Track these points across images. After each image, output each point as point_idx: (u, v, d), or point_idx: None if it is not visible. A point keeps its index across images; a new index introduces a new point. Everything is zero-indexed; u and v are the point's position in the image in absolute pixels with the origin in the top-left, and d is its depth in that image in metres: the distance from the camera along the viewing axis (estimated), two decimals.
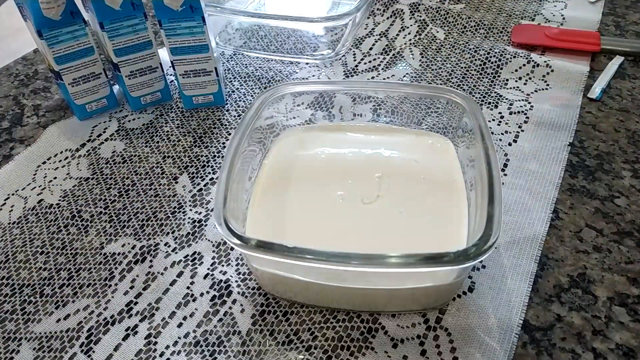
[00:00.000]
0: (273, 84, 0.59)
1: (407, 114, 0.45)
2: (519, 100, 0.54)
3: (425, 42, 0.64)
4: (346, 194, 0.39)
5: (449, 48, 0.63)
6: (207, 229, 0.43)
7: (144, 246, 0.42)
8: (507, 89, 0.56)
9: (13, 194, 0.48)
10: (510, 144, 0.49)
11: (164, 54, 0.54)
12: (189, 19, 0.48)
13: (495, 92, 0.55)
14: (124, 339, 0.36)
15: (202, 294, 0.38)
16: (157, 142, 0.52)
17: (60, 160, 0.51)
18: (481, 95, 0.55)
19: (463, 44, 0.63)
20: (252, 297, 0.38)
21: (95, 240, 0.43)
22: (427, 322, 0.35)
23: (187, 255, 0.41)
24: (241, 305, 0.37)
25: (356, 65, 0.61)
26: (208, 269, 0.40)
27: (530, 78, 0.57)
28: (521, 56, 0.59)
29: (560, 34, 0.61)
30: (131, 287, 0.39)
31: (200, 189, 0.47)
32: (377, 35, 0.66)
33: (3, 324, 0.38)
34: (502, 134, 0.50)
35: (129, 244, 0.42)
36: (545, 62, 0.58)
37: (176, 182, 0.47)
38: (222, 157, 0.50)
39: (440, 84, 0.57)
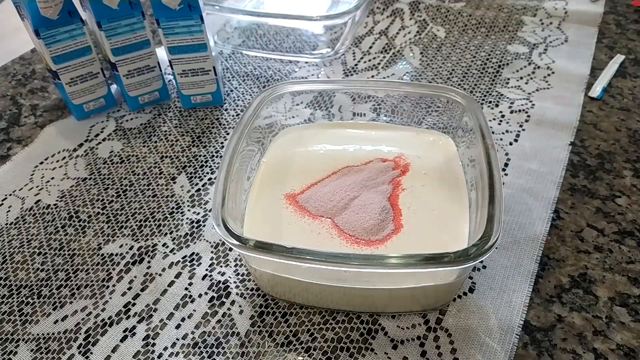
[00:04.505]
0: (272, 83, 0.58)
1: (407, 113, 0.45)
2: (520, 99, 0.54)
3: (426, 40, 0.64)
4: None
5: (450, 47, 0.62)
6: (205, 229, 0.43)
7: (142, 247, 0.42)
8: (508, 87, 0.55)
9: (10, 195, 0.47)
10: (511, 144, 0.49)
11: (162, 53, 0.54)
12: (187, 17, 0.48)
13: (496, 91, 0.55)
14: (121, 341, 0.36)
15: (200, 295, 0.38)
16: (155, 142, 0.52)
17: (57, 161, 0.50)
18: (482, 94, 0.55)
19: (464, 43, 0.63)
20: (250, 298, 0.38)
21: (93, 241, 0.43)
22: (427, 322, 0.35)
23: (186, 256, 0.41)
24: (240, 306, 0.37)
25: (356, 64, 0.61)
26: (206, 269, 0.40)
27: (531, 77, 0.56)
28: (522, 58, 0.59)
29: None
30: (129, 288, 0.39)
31: (199, 189, 0.46)
32: (376, 33, 0.65)
33: (0, 326, 0.37)
34: (503, 133, 0.50)
35: (126, 244, 0.42)
36: (546, 65, 0.58)
37: (174, 182, 0.47)
38: (221, 157, 0.49)
39: (441, 83, 0.57)
